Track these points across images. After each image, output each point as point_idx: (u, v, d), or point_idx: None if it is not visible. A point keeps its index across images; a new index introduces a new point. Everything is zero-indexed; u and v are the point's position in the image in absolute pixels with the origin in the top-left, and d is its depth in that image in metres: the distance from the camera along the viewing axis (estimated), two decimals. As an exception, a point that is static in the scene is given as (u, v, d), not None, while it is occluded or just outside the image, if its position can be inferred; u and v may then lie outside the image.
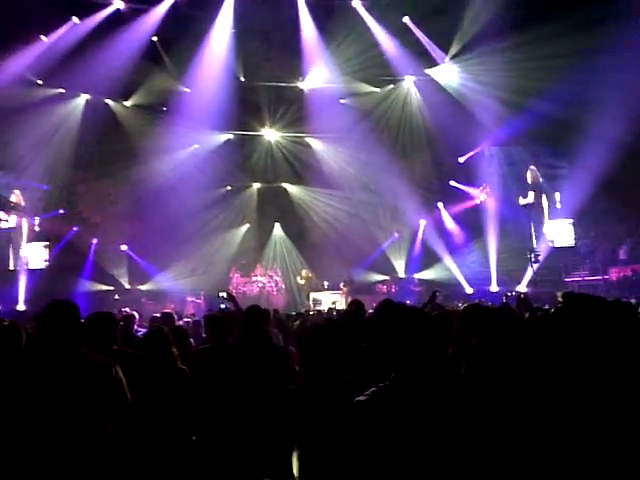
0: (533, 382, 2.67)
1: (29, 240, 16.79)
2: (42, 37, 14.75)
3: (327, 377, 2.87)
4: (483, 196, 17.64)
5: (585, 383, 2.56)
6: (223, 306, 10.04)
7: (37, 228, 16.99)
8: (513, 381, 2.71)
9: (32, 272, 16.11)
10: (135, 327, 7.14)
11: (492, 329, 3.07)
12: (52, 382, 2.77)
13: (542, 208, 17.18)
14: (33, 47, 14.65)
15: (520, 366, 2.84)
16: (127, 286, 18.41)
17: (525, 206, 17.14)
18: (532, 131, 15.47)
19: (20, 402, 2.73)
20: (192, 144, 18.49)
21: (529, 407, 2.56)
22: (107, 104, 17.25)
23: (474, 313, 3.23)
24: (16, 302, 15.29)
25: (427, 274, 18.34)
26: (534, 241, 16.58)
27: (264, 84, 17.37)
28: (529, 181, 17.43)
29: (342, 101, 17.99)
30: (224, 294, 6.25)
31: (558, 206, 17.08)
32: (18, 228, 16.63)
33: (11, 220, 16.54)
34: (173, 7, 14.84)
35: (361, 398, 2.11)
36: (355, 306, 5.64)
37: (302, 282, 18.49)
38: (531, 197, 17.23)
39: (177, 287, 17.94)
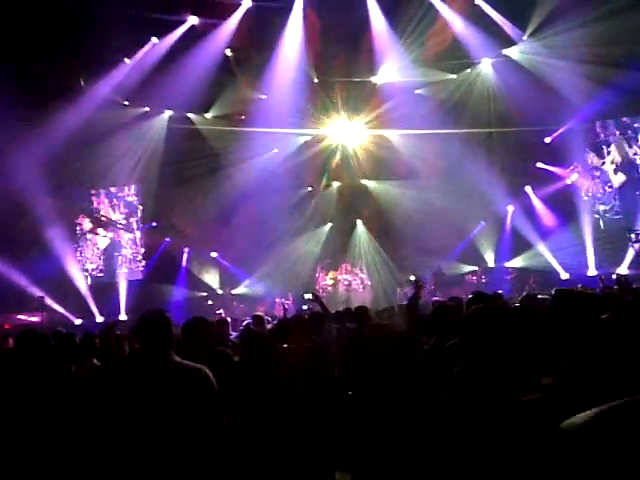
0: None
1: (127, 253, 17.77)
2: (125, 59, 15.56)
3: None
4: (574, 176, 16.75)
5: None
6: (305, 307, 10.09)
7: (137, 241, 17.96)
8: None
9: (131, 283, 17.04)
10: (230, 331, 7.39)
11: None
12: (145, 392, 2.90)
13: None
14: (118, 69, 15.49)
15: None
16: (219, 291, 19.07)
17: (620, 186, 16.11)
18: (622, 104, 14.52)
19: (115, 413, 2.88)
20: (272, 148, 18.85)
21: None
22: (189, 118, 17.94)
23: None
24: (118, 313, 16.23)
25: (518, 262, 17.65)
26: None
27: (338, 80, 17.38)
28: (617, 157, 16.37)
29: (417, 91, 17.70)
30: (309, 295, 6.32)
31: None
32: (116, 242, 17.65)
33: (108, 235, 17.58)
34: (245, 16, 15.22)
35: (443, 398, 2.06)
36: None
37: (330, 282, 18.15)
38: (620, 177, 16.18)
39: (266, 290, 18.37)
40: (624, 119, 16.42)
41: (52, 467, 3.06)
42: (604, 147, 16.73)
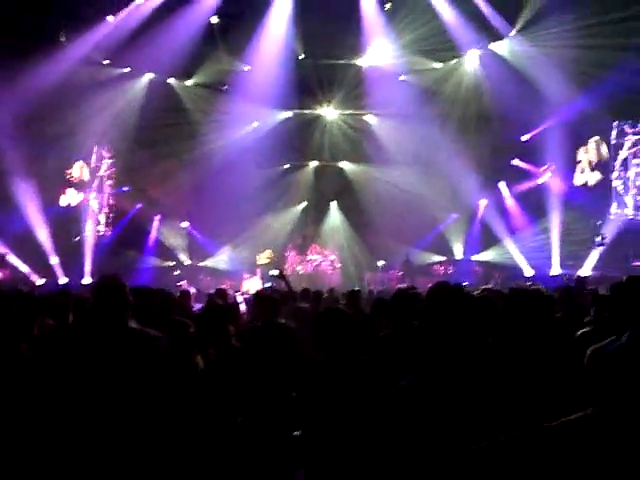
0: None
1: (96, 216, 17.47)
2: (109, 18, 15.14)
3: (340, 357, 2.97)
4: (547, 176, 16.98)
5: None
6: (269, 284, 10.06)
7: (107, 205, 17.68)
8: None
9: (98, 247, 16.79)
10: (193, 303, 7.35)
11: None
12: (96, 358, 2.87)
13: (610, 186, 16.31)
14: (100, 28, 15.07)
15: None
16: (187, 262, 18.94)
17: (591, 186, 16.34)
18: (602, 107, 14.70)
19: (68, 378, 2.85)
20: (252, 122, 18.67)
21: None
22: (169, 83, 17.60)
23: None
24: (83, 275, 16.02)
25: (486, 256, 17.92)
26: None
27: (323, 62, 17.25)
28: (593, 157, 16.56)
29: (402, 78, 17.67)
30: (275, 272, 6.33)
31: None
32: (86, 204, 17.33)
33: (78, 196, 17.24)
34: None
35: (402, 383, 2.10)
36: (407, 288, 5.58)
37: (265, 262, 17.97)
38: (594, 176, 16.40)
39: (235, 264, 18.32)
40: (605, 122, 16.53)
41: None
42: (581, 146, 16.87)
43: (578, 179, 16.66)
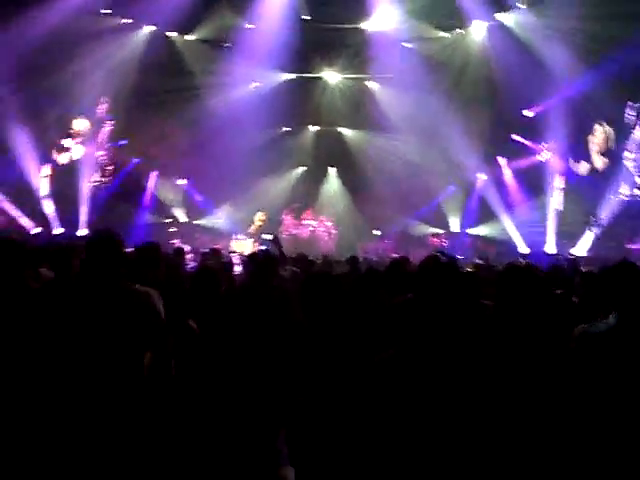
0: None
1: (93, 167, 17.30)
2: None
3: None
4: (547, 154, 16.87)
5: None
6: (264, 247, 10.05)
7: (104, 157, 17.51)
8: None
9: (94, 198, 16.68)
10: (187, 261, 7.39)
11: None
12: (90, 311, 2.88)
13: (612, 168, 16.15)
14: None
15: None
16: (183, 220, 18.91)
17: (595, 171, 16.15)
18: (609, 86, 14.50)
19: (57, 328, 2.86)
20: (252, 82, 18.42)
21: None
22: (170, 37, 17.25)
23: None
24: (78, 226, 15.98)
25: (481, 230, 17.95)
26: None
27: (327, 25, 16.91)
28: (599, 141, 16.40)
29: (406, 45, 17.37)
30: (269, 236, 6.33)
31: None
32: (83, 155, 17.15)
33: (78, 149, 17.06)
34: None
35: (383, 355, 2.14)
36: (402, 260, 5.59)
37: (258, 224, 17.51)
38: (602, 161, 16.22)
39: (231, 224, 18.30)
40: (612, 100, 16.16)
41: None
42: (583, 127, 16.64)
43: (583, 168, 16.39)
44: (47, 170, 16.03)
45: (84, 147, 17.07)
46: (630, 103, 15.38)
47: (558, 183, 16.38)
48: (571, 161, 16.36)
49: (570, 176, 16.19)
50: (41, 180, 15.63)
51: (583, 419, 2.45)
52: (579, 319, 3.08)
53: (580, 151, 16.51)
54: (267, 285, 4.57)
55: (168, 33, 17.17)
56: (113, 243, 3.02)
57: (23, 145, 14.74)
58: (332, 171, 20.51)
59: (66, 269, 4.63)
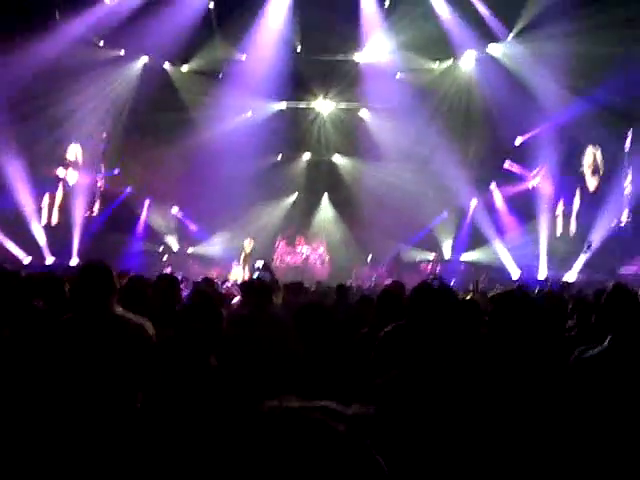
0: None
1: (86, 197, 17.31)
2: (105, -1, 14.95)
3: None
4: (537, 180, 17.07)
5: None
6: (257, 275, 9.94)
7: (97, 186, 17.54)
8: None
9: (87, 228, 16.66)
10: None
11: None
12: (83, 343, 2.87)
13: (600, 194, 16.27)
14: (97, 8, 14.89)
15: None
16: (176, 248, 18.88)
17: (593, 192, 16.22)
18: (595, 115, 14.77)
19: (51, 361, 2.84)
20: (246, 111, 18.60)
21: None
22: (164, 68, 17.47)
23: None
24: (70, 256, 15.92)
25: (473, 255, 18.04)
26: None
27: (320, 56, 17.18)
28: (590, 163, 16.55)
29: (398, 76, 17.66)
30: (260, 263, 6.33)
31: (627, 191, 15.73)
32: (76, 184, 17.18)
33: (72, 176, 17.10)
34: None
35: (379, 381, 2.14)
36: (395, 286, 5.62)
37: (247, 252, 16.92)
38: (593, 182, 16.36)
39: (224, 252, 18.28)
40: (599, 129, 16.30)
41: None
42: (572, 153, 16.83)
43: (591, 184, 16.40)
44: (46, 200, 16.07)
45: (78, 174, 17.13)
46: (631, 130, 15.42)
47: (559, 209, 16.52)
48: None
49: (562, 200, 16.35)
50: (43, 210, 15.68)
51: (579, 440, 2.46)
52: (573, 344, 3.11)
53: (572, 174, 16.71)
54: (264, 314, 4.56)
55: (162, 64, 17.36)
56: (103, 273, 3.02)
57: (15, 175, 14.74)
58: (325, 198, 20.62)
59: (59, 300, 4.60)
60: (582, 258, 15.08)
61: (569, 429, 2.49)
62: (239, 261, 17.15)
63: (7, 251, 14.76)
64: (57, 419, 2.80)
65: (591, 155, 16.54)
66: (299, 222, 19.95)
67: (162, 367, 3.12)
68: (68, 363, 2.83)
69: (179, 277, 8.30)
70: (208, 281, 7.28)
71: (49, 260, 15.40)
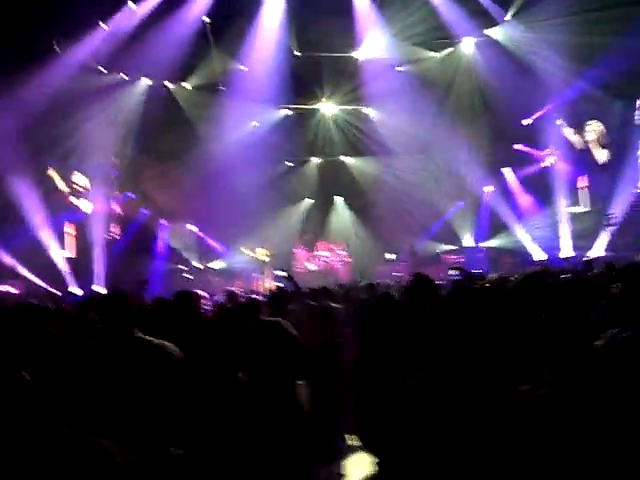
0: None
1: (104, 223, 17.47)
2: (102, 25, 15.09)
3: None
4: (552, 158, 16.84)
5: None
6: (281, 285, 10.01)
7: (114, 212, 17.69)
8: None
9: (108, 255, 16.77)
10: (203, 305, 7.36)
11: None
12: (101, 369, 2.91)
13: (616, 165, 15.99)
14: (94, 35, 15.03)
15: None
16: (197, 265, 18.98)
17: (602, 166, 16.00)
18: (602, 87, 14.55)
19: (79, 389, 2.86)
20: (251, 120, 18.66)
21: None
22: (166, 87, 17.59)
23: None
24: (94, 285, 16.04)
25: (494, 242, 17.86)
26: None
27: (319, 55, 17.14)
28: (592, 137, 16.29)
29: (398, 69, 17.58)
30: (283, 273, 6.32)
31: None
32: (92, 212, 17.36)
33: (86, 205, 17.28)
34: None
35: (410, 383, 2.06)
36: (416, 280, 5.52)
37: (267, 260, 17.85)
38: (604, 153, 16.08)
39: (244, 264, 18.33)
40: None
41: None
42: (583, 125, 16.59)
43: (601, 156, 16.10)
44: (69, 228, 16.22)
45: (91, 203, 17.29)
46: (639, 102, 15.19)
47: (580, 183, 16.28)
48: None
49: (578, 176, 16.11)
50: (64, 238, 15.83)
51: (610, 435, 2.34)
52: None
53: (581, 151, 16.48)
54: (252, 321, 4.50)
55: (165, 83, 17.49)
56: (123, 300, 3.11)
57: (31, 207, 14.89)
58: (339, 200, 20.60)
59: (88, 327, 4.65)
60: (605, 233, 14.82)
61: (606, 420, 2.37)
62: (260, 272, 17.26)
63: (35, 285, 14.81)
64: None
65: (595, 130, 16.32)
66: (316, 226, 19.95)
67: (190, 384, 3.13)
68: (93, 388, 2.88)
69: (206, 294, 8.36)
70: (230, 294, 7.29)
71: (74, 290, 15.52)
